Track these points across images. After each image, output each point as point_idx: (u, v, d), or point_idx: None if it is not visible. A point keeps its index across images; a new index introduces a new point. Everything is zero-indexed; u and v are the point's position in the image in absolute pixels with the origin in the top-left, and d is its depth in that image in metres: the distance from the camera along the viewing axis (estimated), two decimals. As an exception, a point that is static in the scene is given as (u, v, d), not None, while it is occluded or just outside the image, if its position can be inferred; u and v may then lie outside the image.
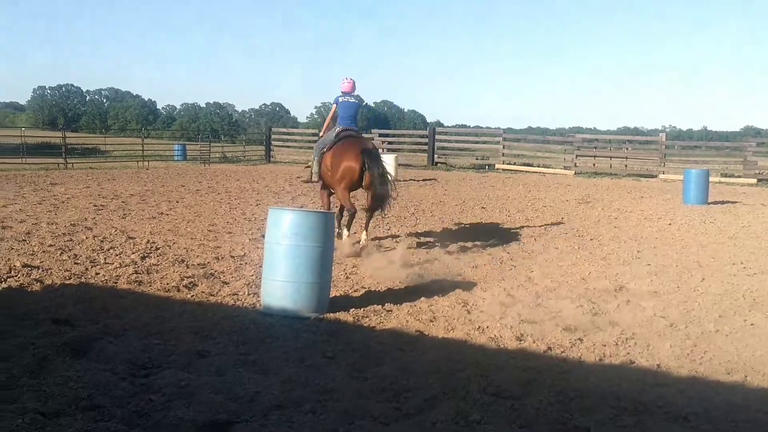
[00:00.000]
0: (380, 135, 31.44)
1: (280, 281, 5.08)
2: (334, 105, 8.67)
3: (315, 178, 8.67)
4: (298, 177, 18.13)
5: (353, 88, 8.66)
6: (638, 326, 5.31)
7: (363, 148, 7.85)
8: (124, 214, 10.66)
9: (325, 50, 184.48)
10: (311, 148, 42.97)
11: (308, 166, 9.64)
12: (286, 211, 5.20)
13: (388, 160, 20.45)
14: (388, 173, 7.93)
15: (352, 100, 8.56)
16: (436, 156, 28.83)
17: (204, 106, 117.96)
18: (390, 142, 31.22)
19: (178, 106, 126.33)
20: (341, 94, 8.59)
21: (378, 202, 7.82)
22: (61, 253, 7.17)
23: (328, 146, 8.25)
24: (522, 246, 9.17)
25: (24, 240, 7.84)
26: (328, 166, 8.11)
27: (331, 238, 5.29)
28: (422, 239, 9.45)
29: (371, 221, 8.40)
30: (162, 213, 11.03)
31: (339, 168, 7.89)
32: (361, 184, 7.85)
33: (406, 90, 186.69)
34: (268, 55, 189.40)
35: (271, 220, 5.26)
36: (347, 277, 6.78)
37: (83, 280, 6.05)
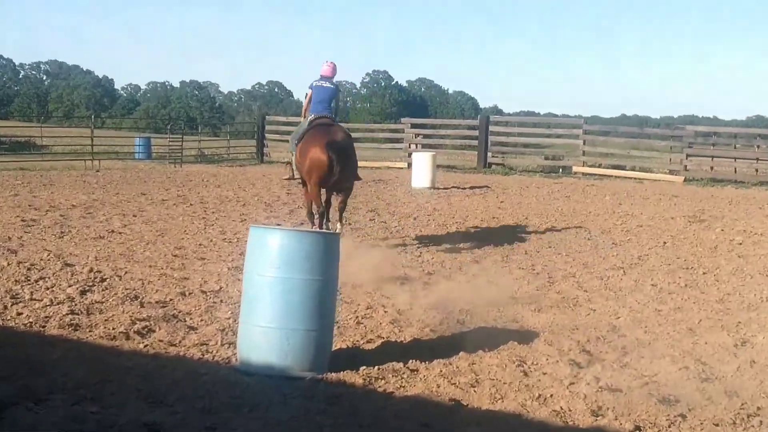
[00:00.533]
0: (413, 125, 31.52)
1: (263, 327, 5.08)
2: (309, 90, 10.25)
3: (296, 174, 10.18)
4: (285, 178, 18.32)
5: (333, 72, 10.30)
6: (767, 398, 5.18)
7: (330, 139, 9.27)
8: (62, 233, 10.83)
9: (343, 12, 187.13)
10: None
11: (288, 162, 10.26)
12: (273, 230, 5.21)
13: (423, 160, 20.87)
14: (355, 168, 9.91)
15: (327, 84, 10.18)
16: (490, 154, 28.80)
17: (177, 86, 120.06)
18: (427, 136, 31.27)
19: (143, 86, 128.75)
20: (318, 78, 10.21)
21: (343, 199, 10.06)
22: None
23: (300, 136, 9.86)
24: (605, 281, 9.06)
25: None
26: (299, 158, 9.71)
27: (334, 267, 5.28)
28: (465, 269, 9.40)
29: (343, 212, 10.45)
30: (113, 231, 11.19)
31: (306, 160, 9.45)
32: (333, 178, 9.41)
33: (451, 65, 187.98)
34: (265, 18, 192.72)
35: (253, 242, 5.28)
36: (358, 323, 6.77)
37: (0, 321, 6.12)
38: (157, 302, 7.07)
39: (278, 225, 11.70)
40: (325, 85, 10.13)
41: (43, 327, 6.08)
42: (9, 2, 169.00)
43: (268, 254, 5.11)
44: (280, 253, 5.06)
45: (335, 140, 9.32)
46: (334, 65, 10.37)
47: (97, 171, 24.08)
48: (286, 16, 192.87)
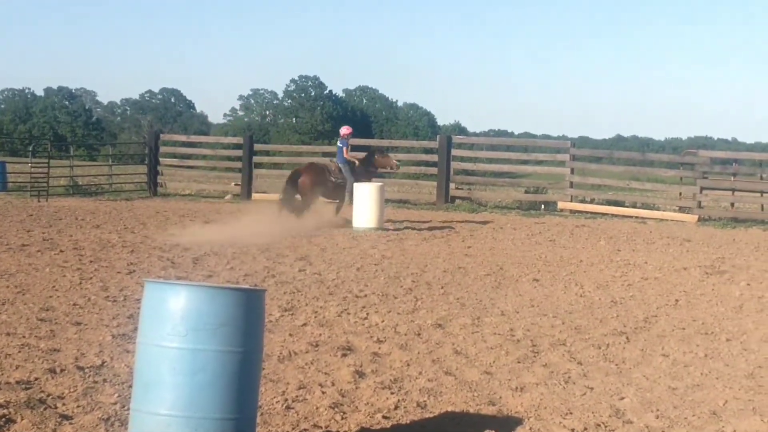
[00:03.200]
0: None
1: (163, 415, 4.98)
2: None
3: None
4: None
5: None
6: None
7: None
8: None
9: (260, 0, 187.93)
10: (231, 170, 43.10)
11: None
12: (176, 286, 5.15)
13: (367, 194, 21.01)
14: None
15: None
16: (453, 185, 29.10)
17: (41, 94, 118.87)
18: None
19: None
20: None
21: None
22: None
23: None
24: (604, 351, 9.14)
25: None
26: None
27: (259, 335, 5.24)
28: (425, 336, 9.41)
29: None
30: (-45, 286, 10.94)
31: None
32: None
33: (401, 71, 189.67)
34: (159, 6, 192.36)
35: (149, 302, 5.20)
36: (287, 408, 6.71)
37: None
38: (17, 382, 6.90)
39: (180, 279, 11.62)
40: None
41: None
42: None
43: (170, 318, 5.03)
44: (185, 316, 4.99)
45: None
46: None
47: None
48: (187, 3, 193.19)
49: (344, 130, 23.24)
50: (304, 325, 9.73)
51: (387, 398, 7.03)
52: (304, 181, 21.70)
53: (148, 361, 5.12)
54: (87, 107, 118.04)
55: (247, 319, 5.11)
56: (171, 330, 5.01)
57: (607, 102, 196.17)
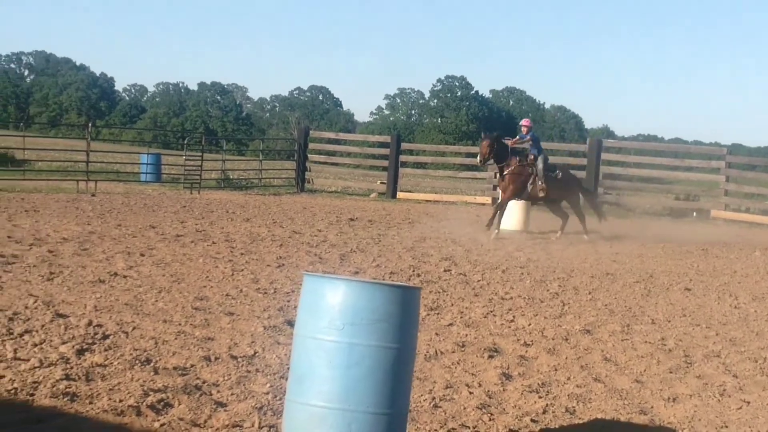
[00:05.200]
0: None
1: (318, 407, 5.06)
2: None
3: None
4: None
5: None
6: None
7: None
8: (52, 274, 11.02)
9: (408, 2, 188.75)
10: (376, 168, 43.40)
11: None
12: (335, 281, 5.22)
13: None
14: None
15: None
16: (602, 190, 28.63)
17: (195, 88, 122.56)
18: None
19: (151, 88, 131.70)
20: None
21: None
22: (-61, 338, 7.47)
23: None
24: (761, 365, 8.87)
25: None
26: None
27: (413, 333, 5.27)
28: (573, 341, 9.30)
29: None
30: (116, 274, 11.37)
31: None
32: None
33: (549, 71, 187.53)
34: (309, 5, 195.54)
35: (307, 295, 5.29)
36: (435, 406, 6.74)
37: (-22, 386, 6.25)
38: (174, 368, 7.13)
39: (331, 274, 11.80)
40: None
41: (32, 395, 6.16)
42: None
43: (327, 312, 5.11)
44: (343, 310, 5.06)
45: None
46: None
47: (93, 195, 24.62)
48: (334, 3, 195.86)
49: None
50: (450, 325, 9.74)
51: (535, 402, 6.99)
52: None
53: (304, 353, 5.21)
54: (237, 102, 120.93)
55: (402, 315, 5.15)
56: (328, 323, 5.09)
57: (763, 109, 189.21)
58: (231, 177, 34.07)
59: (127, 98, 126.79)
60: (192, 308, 9.55)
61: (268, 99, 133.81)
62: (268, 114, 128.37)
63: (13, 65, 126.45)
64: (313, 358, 5.14)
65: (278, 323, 9.01)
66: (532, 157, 19.86)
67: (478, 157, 20.57)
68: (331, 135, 43.03)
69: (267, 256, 14.09)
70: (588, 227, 20.35)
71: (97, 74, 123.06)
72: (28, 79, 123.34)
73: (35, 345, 7.48)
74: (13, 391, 6.21)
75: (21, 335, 7.76)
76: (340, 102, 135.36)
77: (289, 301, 10.25)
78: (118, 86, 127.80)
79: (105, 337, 7.95)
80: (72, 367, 6.85)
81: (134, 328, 8.37)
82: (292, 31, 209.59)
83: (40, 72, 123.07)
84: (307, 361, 5.18)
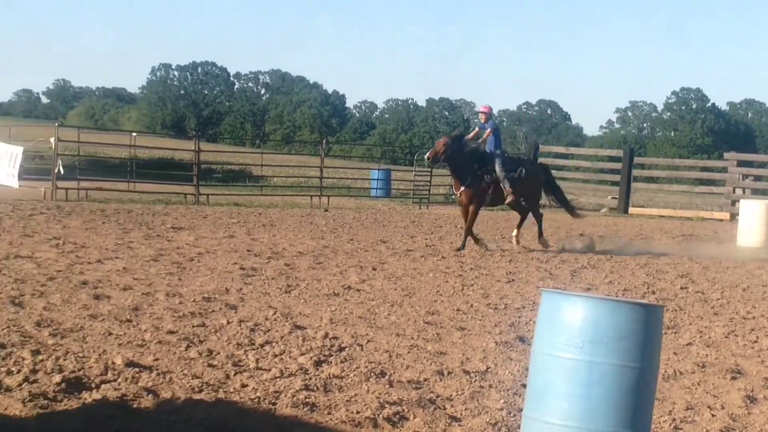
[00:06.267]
0: (740, 163, 30.31)
1: (556, 425, 4.97)
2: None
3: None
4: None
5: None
6: None
7: None
8: (289, 286, 11.43)
9: (648, 10, 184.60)
10: (605, 182, 42.43)
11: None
12: (573, 298, 5.13)
13: (756, 211, 20.03)
14: None
15: None
16: None
17: (423, 104, 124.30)
18: (759, 177, 29.91)
19: (381, 104, 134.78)
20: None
21: None
22: (188, 346, 7.80)
23: None
24: None
25: (129, 321, 8.68)
26: None
27: (657, 352, 5.10)
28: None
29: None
30: (349, 287, 11.64)
31: None
32: None
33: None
34: (539, 20, 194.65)
35: (545, 312, 5.22)
36: (675, 428, 6.52)
37: (221, 394, 6.49)
38: (408, 381, 7.20)
39: (557, 289, 11.64)
40: None
41: (273, 404, 6.36)
42: (221, 4, 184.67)
43: (566, 329, 5.02)
44: (583, 328, 4.96)
45: None
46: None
47: (326, 210, 25.39)
48: (568, 16, 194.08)
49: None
50: (689, 344, 9.38)
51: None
52: None
53: (542, 370, 5.13)
54: (465, 117, 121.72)
55: (645, 334, 4.98)
56: (567, 341, 4.99)
57: None
58: (459, 192, 34.21)
59: (358, 115, 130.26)
60: (424, 322, 9.63)
61: (496, 114, 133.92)
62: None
63: (251, 84, 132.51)
64: (552, 375, 5.06)
65: (510, 339, 8.95)
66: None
67: (428, 153, 17.67)
68: (561, 149, 42.57)
69: (496, 271, 14.06)
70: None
71: (330, 92, 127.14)
72: (264, 98, 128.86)
73: (275, 355, 7.74)
74: (256, 400, 6.45)
75: (262, 346, 8.05)
76: (569, 116, 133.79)
77: (520, 317, 10.18)
78: (349, 103, 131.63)
79: (341, 349, 8.13)
80: (311, 378, 7.04)
81: (368, 341, 8.53)
82: (520, 45, 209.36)
83: (275, 90, 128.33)
84: (545, 378, 5.11)
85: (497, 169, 16.85)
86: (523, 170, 17.48)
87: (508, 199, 17.26)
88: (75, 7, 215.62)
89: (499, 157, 17.11)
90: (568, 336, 5.01)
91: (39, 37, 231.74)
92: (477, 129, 17.86)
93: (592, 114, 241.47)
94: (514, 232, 17.77)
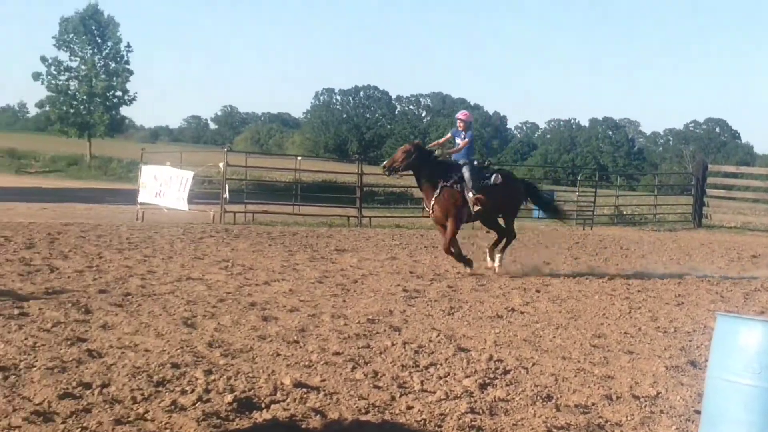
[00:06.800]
0: None
1: (734, 454, 4.82)
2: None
3: None
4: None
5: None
6: None
7: None
8: (452, 308, 11.44)
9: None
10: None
11: None
12: (750, 322, 4.96)
13: None
14: None
15: None
16: None
17: (586, 124, 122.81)
18: None
19: (542, 125, 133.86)
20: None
21: None
22: (353, 367, 7.89)
23: None
24: None
25: (296, 342, 8.85)
26: None
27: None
28: None
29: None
30: (513, 309, 11.57)
31: None
32: None
33: None
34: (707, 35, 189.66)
35: (720, 336, 5.07)
36: None
37: (387, 416, 6.54)
38: (576, 406, 7.08)
39: (731, 313, 11.26)
40: None
41: (439, 427, 6.35)
42: (384, 30, 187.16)
43: (743, 354, 4.86)
44: (761, 353, 4.79)
45: None
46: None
47: (487, 232, 25.27)
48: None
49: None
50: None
51: None
52: None
53: (717, 396, 4.99)
54: (630, 137, 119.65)
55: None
56: (744, 366, 4.84)
57: None
58: (624, 212, 33.66)
59: (519, 135, 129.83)
60: (590, 345, 9.47)
61: (661, 133, 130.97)
62: (661, 148, 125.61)
63: (412, 107, 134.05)
64: (727, 402, 4.91)
65: (680, 363, 8.69)
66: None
67: (386, 162, 15.56)
68: (731, 168, 41.29)
69: (665, 294, 13.70)
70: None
71: (491, 113, 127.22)
72: (425, 120, 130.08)
73: (440, 377, 7.74)
74: (422, 422, 6.45)
75: (426, 368, 8.06)
76: (739, 134, 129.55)
77: (690, 341, 9.88)
78: (510, 124, 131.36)
79: (506, 372, 8.07)
80: (476, 401, 7.00)
81: (534, 364, 8.43)
82: (686, 63, 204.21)
83: (436, 112, 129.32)
84: (720, 404, 4.96)
85: (465, 176, 15.10)
86: (499, 176, 15.62)
87: (474, 208, 15.10)
88: (240, 39, 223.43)
89: (469, 165, 15.25)
90: (745, 361, 4.85)
91: (207, 66, 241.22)
92: (449, 134, 15.92)
93: (763, 132, 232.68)
94: (497, 258, 15.55)
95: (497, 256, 15.49)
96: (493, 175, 15.48)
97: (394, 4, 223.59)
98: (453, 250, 15.05)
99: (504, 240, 15.78)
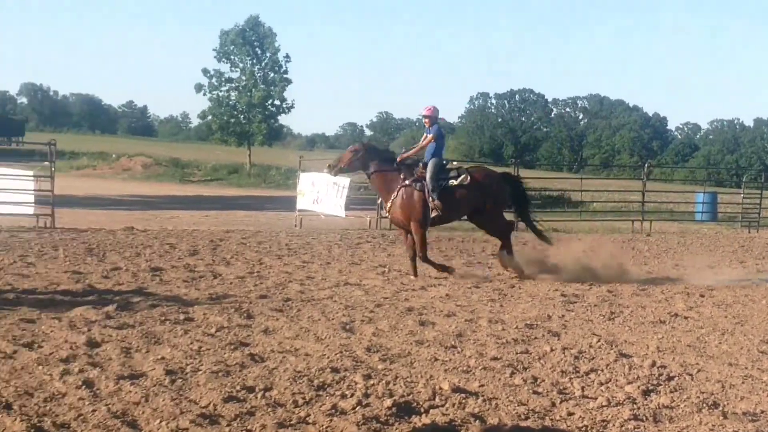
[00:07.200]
0: None
1: None
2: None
3: None
4: None
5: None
6: None
7: None
8: (612, 313, 11.27)
9: None
10: None
11: None
12: None
13: None
14: None
15: None
16: None
17: (750, 124, 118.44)
18: None
19: (704, 125, 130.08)
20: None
21: None
22: (512, 373, 7.87)
23: None
24: None
25: (453, 347, 8.87)
26: None
27: None
28: None
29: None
30: (676, 315, 11.30)
31: None
32: None
33: None
34: None
35: None
36: None
37: (547, 422, 6.49)
38: (744, 413, 6.86)
39: None
40: None
41: (603, 434, 6.29)
42: (538, 34, 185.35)
43: None
44: None
45: None
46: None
47: (648, 235, 24.77)
48: None
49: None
50: None
51: None
52: None
53: None
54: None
55: None
56: None
57: None
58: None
59: (680, 137, 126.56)
60: (758, 351, 9.18)
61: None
62: None
63: (568, 109, 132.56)
64: None
65: None
66: (422, 168, 14.22)
67: (331, 162, 14.83)
68: None
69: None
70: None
71: (650, 114, 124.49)
72: (582, 122, 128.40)
73: (601, 384, 7.63)
74: (583, 429, 6.38)
75: (587, 373, 7.96)
76: None
77: None
78: (671, 125, 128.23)
79: (669, 378, 7.89)
80: (639, 408, 6.87)
81: (699, 371, 8.22)
82: None
83: (593, 115, 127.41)
84: None
85: (427, 177, 14.04)
86: (468, 177, 14.37)
87: (434, 213, 14.00)
88: (395, 45, 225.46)
89: (433, 164, 14.14)
90: None
91: (362, 74, 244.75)
92: (425, 135, 14.74)
93: None
94: (509, 261, 14.51)
95: (507, 259, 14.40)
96: (461, 176, 14.37)
97: (550, 7, 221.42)
98: (429, 259, 14.20)
99: (504, 240, 14.63)
